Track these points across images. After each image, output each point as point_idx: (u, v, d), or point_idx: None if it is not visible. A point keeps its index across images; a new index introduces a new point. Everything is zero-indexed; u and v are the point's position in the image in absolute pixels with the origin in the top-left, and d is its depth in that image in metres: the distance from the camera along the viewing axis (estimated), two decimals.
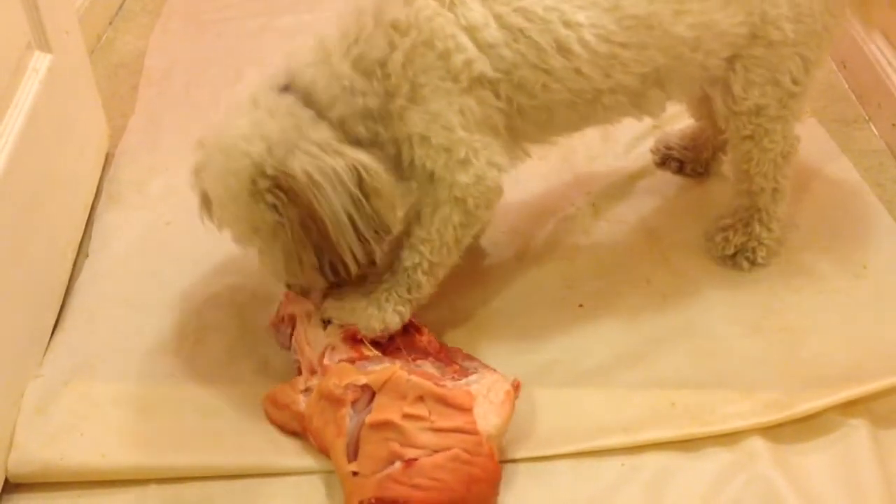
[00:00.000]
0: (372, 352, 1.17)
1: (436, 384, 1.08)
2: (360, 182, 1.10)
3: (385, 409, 1.06)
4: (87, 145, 1.63)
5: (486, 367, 1.19)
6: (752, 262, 1.39)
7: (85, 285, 1.43)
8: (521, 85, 1.15)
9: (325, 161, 1.08)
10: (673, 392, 1.21)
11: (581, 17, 1.13)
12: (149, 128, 1.81)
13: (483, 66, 1.12)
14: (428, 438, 1.05)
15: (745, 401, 1.18)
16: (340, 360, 1.16)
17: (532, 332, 1.31)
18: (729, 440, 1.14)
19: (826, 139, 1.67)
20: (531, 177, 1.55)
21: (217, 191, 1.14)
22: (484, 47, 1.12)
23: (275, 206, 1.09)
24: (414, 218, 1.21)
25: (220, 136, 1.13)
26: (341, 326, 1.19)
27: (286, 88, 1.14)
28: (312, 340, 1.20)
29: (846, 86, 1.84)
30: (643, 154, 1.64)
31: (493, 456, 1.07)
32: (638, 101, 1.23)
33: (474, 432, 1.06)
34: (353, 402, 1.09)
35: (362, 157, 1.11)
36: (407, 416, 1.06)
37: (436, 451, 1.04)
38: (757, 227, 1.38)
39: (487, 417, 1.07)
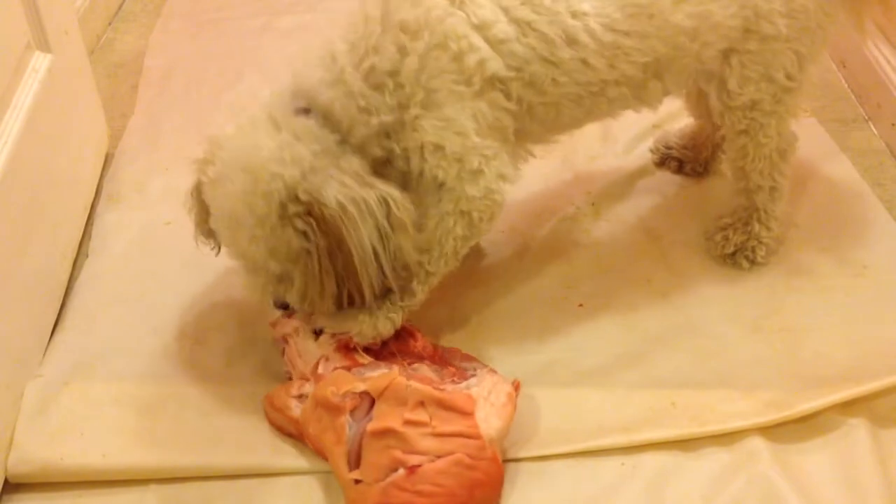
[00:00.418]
0: (366, 359, 1.17)
1: (435, 388, 1.08)
2: (389, 215, 1.10)
3: (386, 417, 1.06)
4: (87, 145, 1.63)
5: (484, 367, 1.19)
6: (752, 261, 1.39)
7: (85, 285, 1.43)
8: (532, 82, 1.15)
9: (357, 192, 1.08)
10: (673, 392, 1.21)
11: (586, 6, 1.14)
12: (148, 128, 1.81)
13: (496, 65, 1.12)
14: (430, 444, 1.05)
15: (745, 400, 1.18)
16: (336, 369, 1.15)
17: (532, 332, 1.31)
18: (729, 440, 1.14)
19: (825, 139, 1.67)
20: (531, 177, 1.54)
21: (237, 210, 1.09)
22: (495, 44, 1.12)
23: (304, 233, 1.08)
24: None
25: (240, 154, 1.10)
26: (333, 336, 1.19)
27: (307, 111, 1.12)
28: (304, 353, 1.20)
29: (845, 85, 1.84)
30: (643, 154, 1.64)
31: (495, 459, 1.07)
32: (639, 92, 1.23)
33: (476, 436, 1.05)
34: (352, 410, 1.08)
35: (392, 190, 1.11)
36: (408, 423, 1.05)
37: (438, 457, 1.04)
38: (756, 226, 1.38)
39: (489, 420, 1.07)
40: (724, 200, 1.45)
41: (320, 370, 1.16)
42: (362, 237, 1.08)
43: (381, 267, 1.11)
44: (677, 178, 1.59)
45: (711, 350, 1.27)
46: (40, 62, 1.44)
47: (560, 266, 1.42)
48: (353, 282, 1.11)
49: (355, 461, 1.07)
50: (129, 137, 1.78)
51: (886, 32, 1.68)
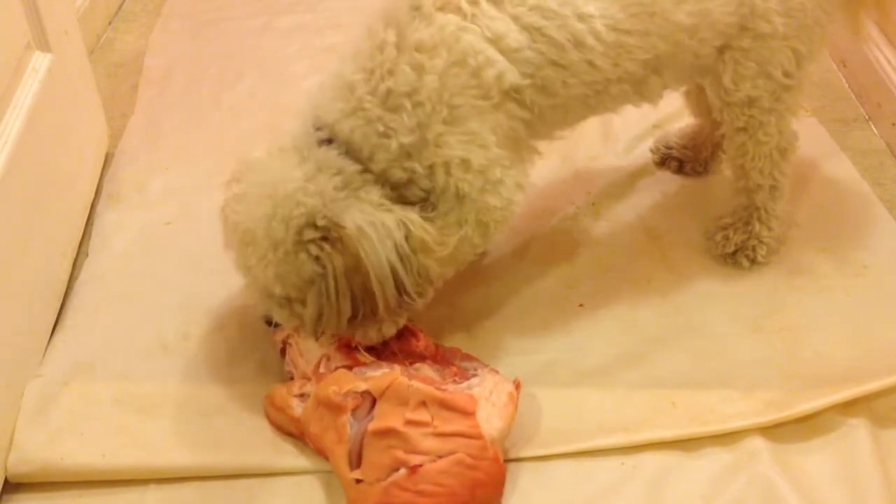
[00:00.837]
0: (368, 358, 1.17)
1: (437, 388, 1.08)
2: (409, 236, 1.11)
3: (387, 417, 1.06)
4: (87, 145, 1.63)
5: (485, 366, 1.19)
6: (753, 261, 1.39)
7: (85, 285, 1.43)
8: (544, 86, 1.16)
9: (376, 216, 1.10)
10: (673, 392, 1.21)
11: (591, 8, 1.14)
12: (148, 127, 1.81)
13: (512, 76, 1.13)
14: (431, 444, 1.05)
15: (745, 400, 1.18)
16: (338, 368, 1.15)
17: (532, 332, 1.31)
18: (729, 440, 1.14)
19: (826, 138, 1.67)
20: (531, 176, 1.55)
21: (254, 231, 1.11)
22: (509, 53, 1.13)
23: (317, 258, 1.09)
24: None
25: (267, 179, 1.12)
26: (334, 335, 1.19)
27: (329, 141, 1.14)
28: (305, 352, 1.20)
29: (846, 85, 1.84)
30: (643, 154, 1.64)
31: (497, 459, 1.07)
32: (639, 88, 1.24)
33: (478, 436, 1.05)
34: (354, 410, 1.08)
35: (411, 214, 1.13)
36: (409, 423, 1.05)
37: (440, 457, 1.04)
38: (757, 226, 1.38)
39: (490, 420, 1.07)
40: (724, 200, 1.45)
41: (322, 369, 1.16)
42: (380, 257, 1.09)
43: (399, 286, 1.12)
44: (677, 178, 1.59)
45: (711, 350, 1.27)
46: (40, 62, 1.44)
47: (560, 266, 1.42)
48: (370, 302, 1.12)
49: (356, 461, 1.07)
50: (129, 137, 1.78)
51: (887, 32, 1.68)
